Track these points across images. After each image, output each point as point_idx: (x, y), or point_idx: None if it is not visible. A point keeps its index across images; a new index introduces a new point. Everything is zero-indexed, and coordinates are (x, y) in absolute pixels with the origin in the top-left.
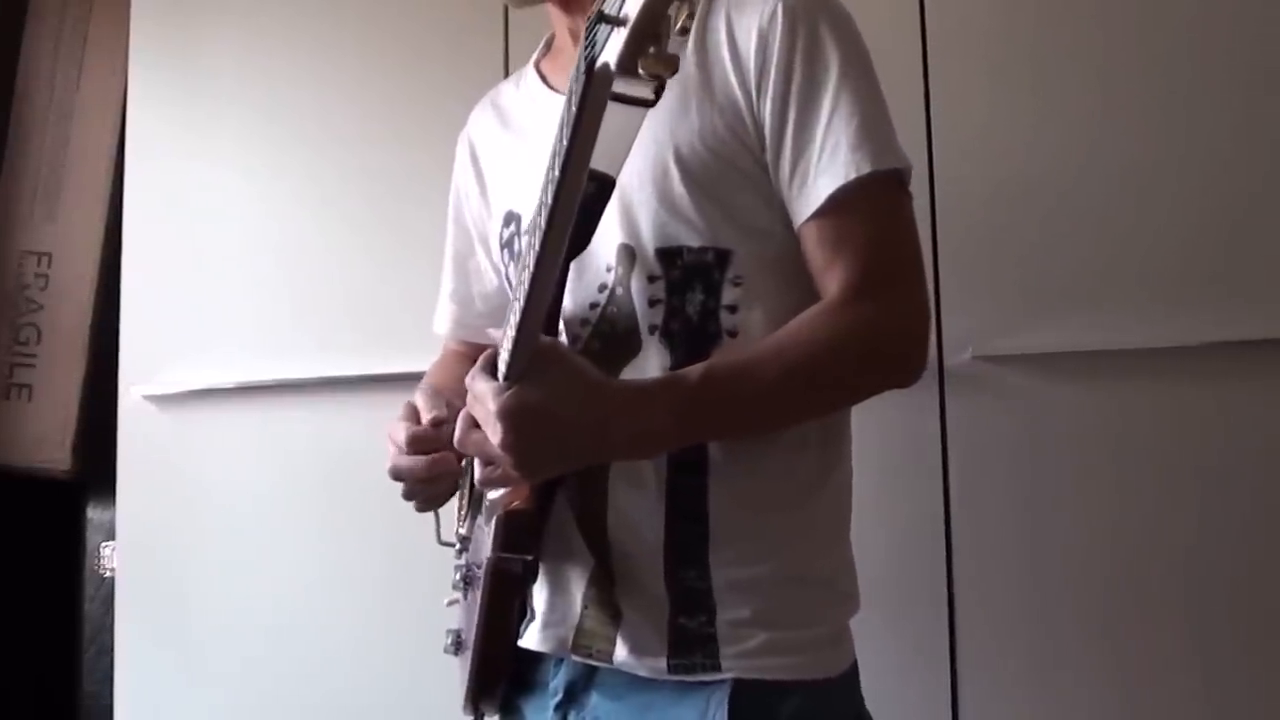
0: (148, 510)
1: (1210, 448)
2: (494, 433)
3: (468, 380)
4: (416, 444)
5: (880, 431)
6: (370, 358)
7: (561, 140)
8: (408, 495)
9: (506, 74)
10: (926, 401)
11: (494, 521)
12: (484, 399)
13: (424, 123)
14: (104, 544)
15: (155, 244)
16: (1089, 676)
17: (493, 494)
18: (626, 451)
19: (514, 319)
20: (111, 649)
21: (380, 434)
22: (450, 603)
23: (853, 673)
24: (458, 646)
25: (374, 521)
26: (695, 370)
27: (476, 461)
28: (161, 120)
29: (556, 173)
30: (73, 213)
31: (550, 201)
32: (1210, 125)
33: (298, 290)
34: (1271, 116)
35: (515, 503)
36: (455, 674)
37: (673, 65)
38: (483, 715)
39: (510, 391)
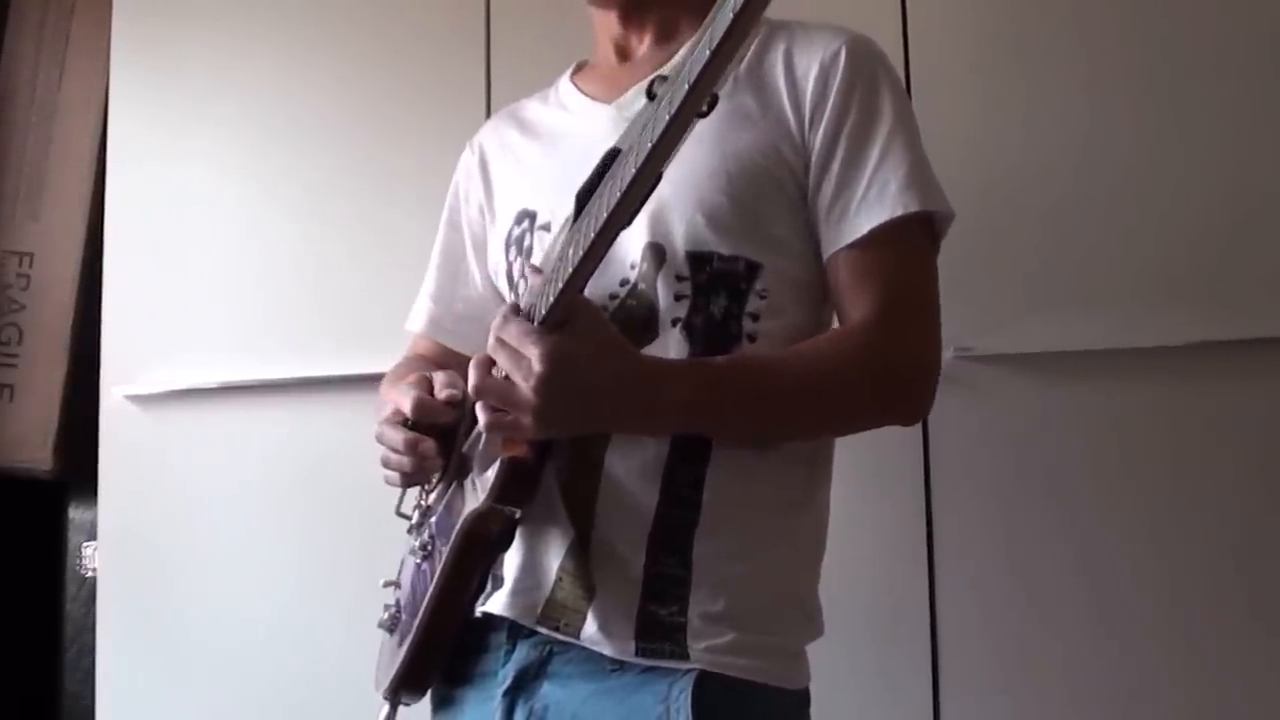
0: (129, 510)
1: (1196, 448)
2: (527, 375)
3: (497, 324)
4: (422, 411)
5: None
6: (350, 358)
7: (678, 92)
8: (384, 462)
9: (488, 77)
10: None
11: (496, 468)
12: (521, 341)
13: (404, 125)
14: (85, 544)
15: (137, 244)
16: (1075, 683)
17: (482, 471)
18: (639, 423)
19: (566, 271)
20: (93, 649)
21: (360, 434)
22: (386, 583)
23: (806, 696)
24: (394, 622)
25: (354, 521)
26: (722, 358)
27: (481, 407)
28: (143, 120)
29: (671, 108)
30: (55, 212)
31: (651, 145)
32: (1197, 124)
33: (279, 291)
34: (1259, 114)
35: (518, 453)
36: (379, 654)
37: None
38: (399, 703)
39: (557, 336)
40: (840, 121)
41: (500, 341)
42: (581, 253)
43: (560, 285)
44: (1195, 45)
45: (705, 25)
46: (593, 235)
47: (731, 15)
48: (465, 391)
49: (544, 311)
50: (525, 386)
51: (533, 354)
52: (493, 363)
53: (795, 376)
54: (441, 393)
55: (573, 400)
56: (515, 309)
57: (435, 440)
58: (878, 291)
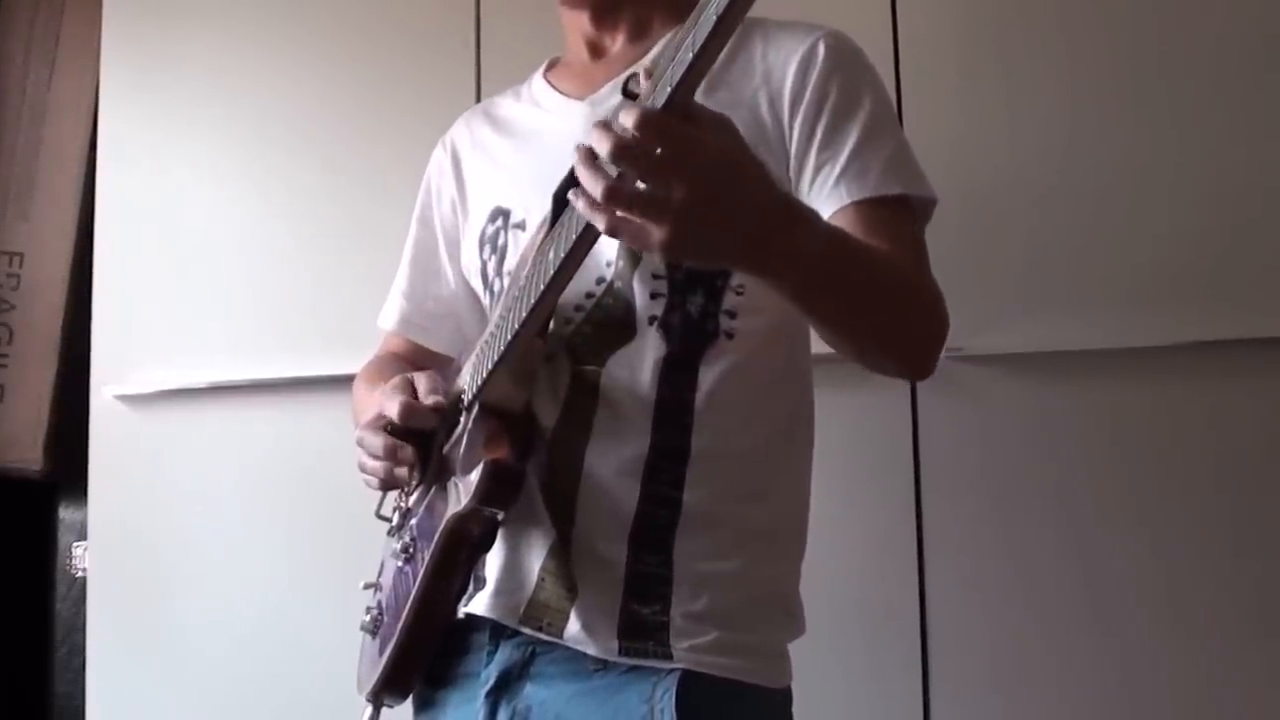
0: (119, 510)
1: (1187, 447)
2: (681, 182)
3: (636, 117)
4: (410, 416)
5: (853, 431)
6: (340, 358)
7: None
8: (361, 466)
9: (478, 76)
10: (898, 401)
11: (477, 472)
12: (679, 144)
13: (395, 125)
14: (76, 544)
15: (127, 244)
16: (1065, 681)
17: (465, 474)
18: (766, 260)
19: (548, 274)
20: (83, 649)
21: (350, 434)
22: (366, 585)
23: (789, 695)
24: (376, 625)
25: (344, 520)
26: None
27: (596, 211)
28: (133, 121)
29: (693, 49)
30: (45, 212)
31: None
32: (1189, 123)
33: (269, 291)
34: (1252, 112)
35: (500, 456)
36: (360, 656)
37: None
38: (382, 705)
39: (723, 142)
40: (820, 105)
41: (633, 142)
42: (563, 254)
43: (542, 287)
44: (1186, 43)
45: (687, 27)
46: (574, 236)
47: (715, 17)
48: (448, 396)
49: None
50: (677, 196)
51: (693, 163)
52: (595, 156)
53: (889, 270)
54: (428, 399)
55: (724, 222)
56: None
57: (415, 445)
58: (887, 242)
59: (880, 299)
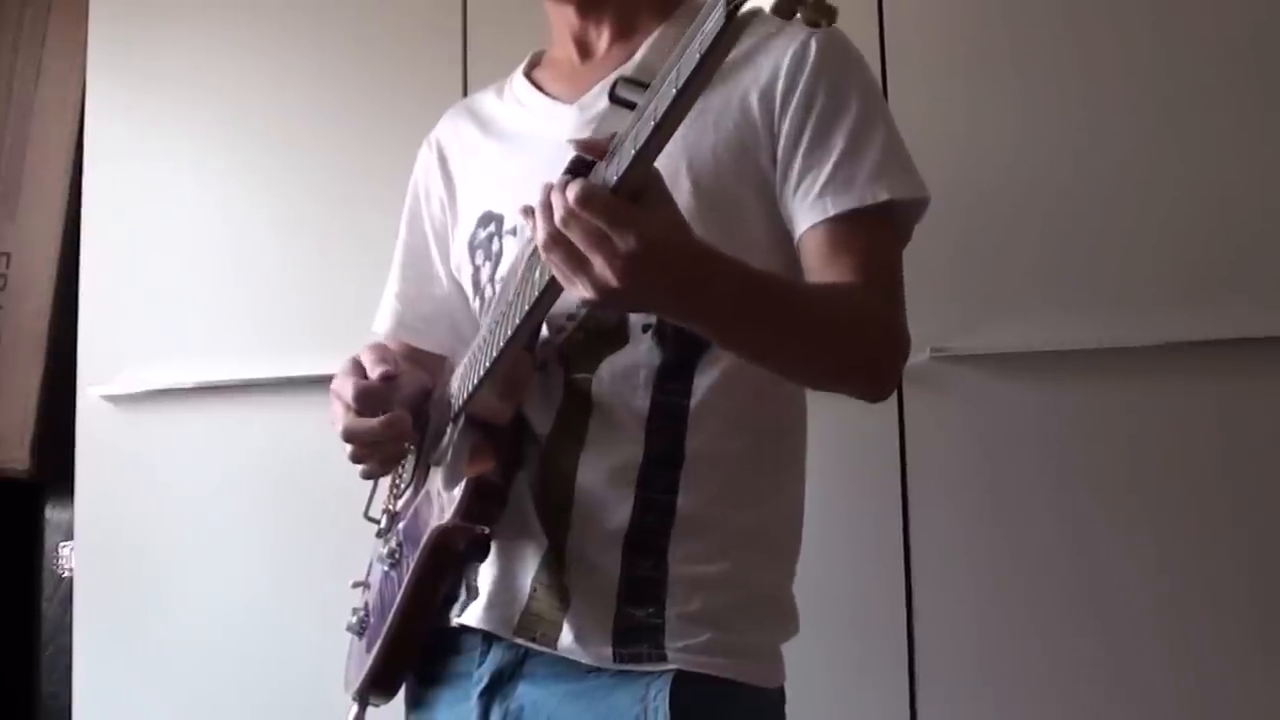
0: (106, 510)
1: (1167, 446)
2: (612, 257)
3: (577, 192)
4: (365, 399)
5: (838, 431)
6: (328, 358)
7: (684, 61)
8: (357, 458)
9: (464, 75)
10: (885, 400)
11: (460, 488)
12: (612, 218)
13: (381, 124)
14: (62, 544)
15: (114, 244)
16: (1052, 680)
17: (443, 485)
18: (688, 312)
19: (534, 291)
20: (70, 649)
21: (336, 435)
22: (355, 584)
23: (782, 695)
24: (363, 626)
25: (332, 521)
26: (747, 265)
27: (546, 258)
28: (120, 120)
29: (636, 144)
30: (31, 212)
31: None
32: (1183, 120)
33: (256, 291)
34: (1247, 109)
35: (483, 471)
36: (348, 655)
37: (832, 14)
38: (368, 704)
39: (650, 218)
40: (808, 107)
41: (573, 213)
42: (550, 274)
43: (527, 307)
44: (1186, 38)
45: (670, 63)
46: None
47: (699, 56)
48: (440, 402)
49: (614, 179)
50: (609, 268)
51: (627, 238)
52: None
53: (818, 304)
54: (374, 371)
55: (651, 287)
56: (577, 171)
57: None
58: (853, 265)
59: (807, 335)
